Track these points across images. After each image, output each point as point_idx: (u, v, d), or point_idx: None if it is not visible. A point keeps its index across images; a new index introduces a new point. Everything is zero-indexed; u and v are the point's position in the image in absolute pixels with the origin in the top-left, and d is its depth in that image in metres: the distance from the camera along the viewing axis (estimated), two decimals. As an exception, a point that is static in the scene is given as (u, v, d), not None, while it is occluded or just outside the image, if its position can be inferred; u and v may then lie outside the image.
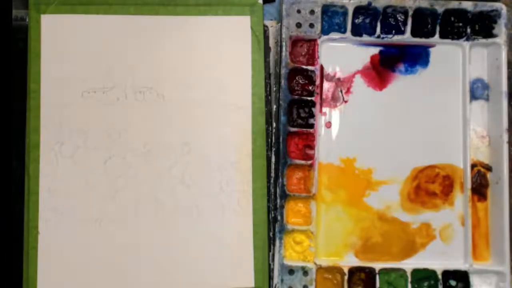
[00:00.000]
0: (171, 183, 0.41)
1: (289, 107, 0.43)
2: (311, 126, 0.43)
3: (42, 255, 0.40)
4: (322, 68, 0.44)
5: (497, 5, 0.43)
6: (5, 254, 0.37)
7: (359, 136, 0.44)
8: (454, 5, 0.43)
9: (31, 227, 0.40)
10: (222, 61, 0.43)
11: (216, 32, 0.43)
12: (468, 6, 0.43)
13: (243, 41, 0.43)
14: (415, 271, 0.42)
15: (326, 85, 0.44)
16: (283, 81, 0.43)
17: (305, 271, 0.41)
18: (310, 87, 0.43)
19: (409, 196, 0.43)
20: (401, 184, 0.43)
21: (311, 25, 0.43)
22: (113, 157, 0.41)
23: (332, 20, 0.44)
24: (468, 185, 0.43)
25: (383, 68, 0.44)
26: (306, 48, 0.44)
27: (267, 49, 0.44)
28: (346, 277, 0.42)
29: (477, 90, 0.45)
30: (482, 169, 0.44)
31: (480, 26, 0.44)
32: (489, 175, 0.44)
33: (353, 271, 0.42)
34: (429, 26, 0.44)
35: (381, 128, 0.44)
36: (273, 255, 0.42)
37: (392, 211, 0.43)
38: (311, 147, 0.43)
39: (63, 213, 0.41)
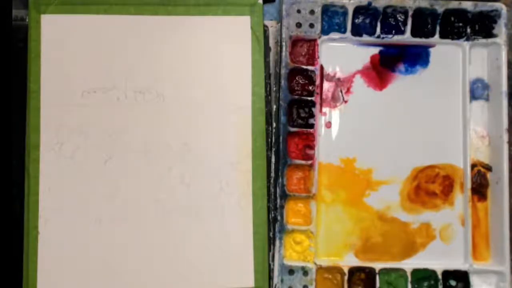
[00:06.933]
0: (171, 183, 0.41)
1: (289, 107, 0.43)
2: (311, 126, 0.43)
3: (42, 255, 0.40)
4: (322, 68, 0.44)
5: (497, 5, 0.43)
6: (5, 254, 0.37)
7: (359, 136, 0.43)
8: (454, 5, 0.43)
9: (31, 227, 0.40)
10: (222, 61, 0.43)
11: (216, 32, 0.43)
12: (468, 6, 0.43)
13: (243, 41, 0.43)
14: (415, 271, 0.42)
15: (326, 85, 0.44)
16: (283, 81, 0.43)
17: (305, 271, 0.41)
18: (310, 87, 0.43)
19: (409, 196, 0.43)
20: (401, 184, 0.43)
21: (311, 25, 0.43)
22: (113, 157, 0.41)
23: (332, 20, 0.44)
24: (468, 185, 0.43)
25: (383, 68, 0.44)
26: (306, 48, 0.44)
27: (267, 49, 0.44)
28: (346, 277, 0.42)
29: (477, 90, 0.45)
30: (482, 169, 0.44)
31: (480, 26, 0.44)
32: (489, 175, 0.44)
33: (353, 271, 0.42)
34: (429, 26, 0.44)
35: (381, 128, 0.44)
36: (273, 255, 0.41)
37: (392, 211, 0.43)
38: (311, 147, 0.43)
39: (63, 213, 0.41)
